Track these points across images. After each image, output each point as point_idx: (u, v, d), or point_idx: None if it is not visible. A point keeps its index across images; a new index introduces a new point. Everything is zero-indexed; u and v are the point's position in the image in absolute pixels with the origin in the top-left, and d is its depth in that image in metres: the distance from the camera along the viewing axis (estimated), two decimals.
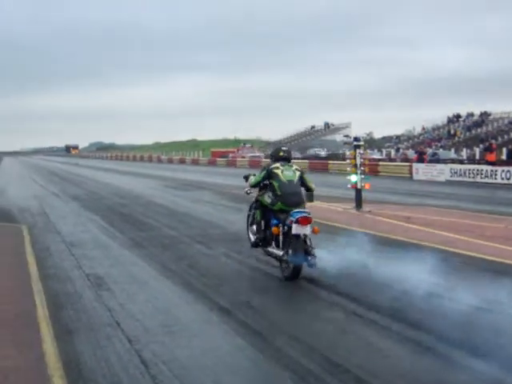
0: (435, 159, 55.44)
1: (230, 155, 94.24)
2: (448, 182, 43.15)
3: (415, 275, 10.86)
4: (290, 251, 11.32)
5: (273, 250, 12.09)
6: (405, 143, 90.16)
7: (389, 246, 15.21)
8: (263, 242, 12.42)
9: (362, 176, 22.53)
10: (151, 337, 8.41)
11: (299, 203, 11.92)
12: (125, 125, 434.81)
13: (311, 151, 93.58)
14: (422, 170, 48.46)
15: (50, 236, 17.97)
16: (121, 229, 19.26)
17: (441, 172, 46.19)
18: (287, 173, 12.14)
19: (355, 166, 22.55)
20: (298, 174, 12.28)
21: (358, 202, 22.80)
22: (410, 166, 50.42)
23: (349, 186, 23.30)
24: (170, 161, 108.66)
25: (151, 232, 18.46)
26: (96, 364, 7.40)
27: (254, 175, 13.03)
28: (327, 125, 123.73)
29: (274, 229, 11.85)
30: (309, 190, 12.78)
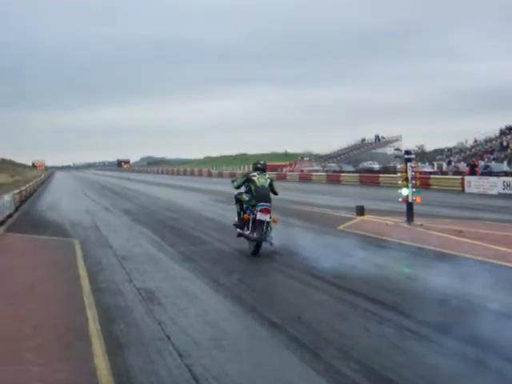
0: (487, 172, 54.57)
1: (284, 168, 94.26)
2: (501, 195, 42.37)
3: (471, 290, 10.68)
4: (255, 233, 15.97)
5: (244, 231, 16.65)
6: (456, 156, 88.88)
7: (441, 261, 14.96)
8: (241, 226, 16.95)
9: (413, 189, 22.25)
10: (202, 351, 8.40)
11: (267, 201, 16.38)
12: (175, 139, 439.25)
13: (364, 164, 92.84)
14: (474, 183, 47.67)
15: (101, 250, 18.15)
16: (171, 243, 19.34)
17: (493, 185, 45.35)
18: (261, 180, 16.70)
19: (406, 179, 22.29)
20: (268, 181, 16.85)
21: (410, 215, 22.50)
22: (462, 179, 49.65)
23: (400, 199, 23.02)
24: (221, 175, 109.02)
25: (202, 246, 18.52)
26: (147, 378, 7.42)
27: (237, 180, 17.99)
28: (378, 138, 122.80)
29: (245, 216, 16.58)
30: (275, 193, 17.17)
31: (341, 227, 22.53)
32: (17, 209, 34.99)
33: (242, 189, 17.31)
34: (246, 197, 16.89)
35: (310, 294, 11.95)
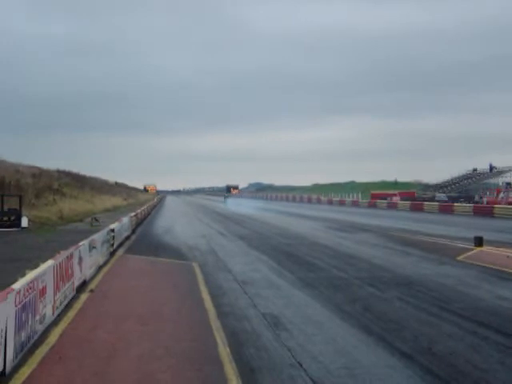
0: None
1: (394, 197, 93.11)
2: None
3: None
4: None
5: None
6: None
7: None
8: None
9: None
10: (335, 379, 8.32)
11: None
12: (283, 167, 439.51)
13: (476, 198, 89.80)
14: None
15: (221, 274, 18.33)
16: (289, 269, 19.36)
17: None
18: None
19: None
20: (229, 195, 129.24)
21: None
22: None
23: None
24: (330, 202, 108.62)
25: (320, 273, 18.43)
26: None
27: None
28: (492, 167, 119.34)
29: None
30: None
31: (460, 258, 22.00)
32: (133, 231, 35.88)
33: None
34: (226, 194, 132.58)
35: (438, 325, 11.66)
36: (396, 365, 9.08)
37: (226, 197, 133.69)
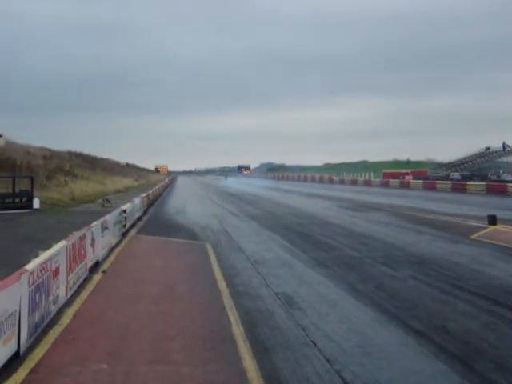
0: None
1: (406, 176, 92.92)
2: None
3: None
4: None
5: None
6: None
7: None
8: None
9: None
10: (349, 358, 8.29)
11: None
12: (295, 146, 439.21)
13: (494, 176, 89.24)
14: None
15: (234, 254, 18.31)
16: (302, 248, 19.32)
17: None
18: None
19: None
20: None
21: None
22: None
23: None
24: (342, 181, 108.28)
25: (333, 252, 18.37)
26: (297, 383, 7.37)
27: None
28: (504, 146, 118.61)
29: None
30: None
31: (473, 236, 21.92)
32: (145, 212, 35.89)
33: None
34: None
35: (452, 303, 11.60)
36: (409, 343, 9.05)
37: (226, 176, 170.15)
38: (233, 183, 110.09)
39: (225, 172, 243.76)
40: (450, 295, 12.27)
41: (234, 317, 10.51)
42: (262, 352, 8.59)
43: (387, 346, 8.93)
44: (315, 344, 8.89)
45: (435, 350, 8.67)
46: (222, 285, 13.41)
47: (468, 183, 70.05)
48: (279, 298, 12.04)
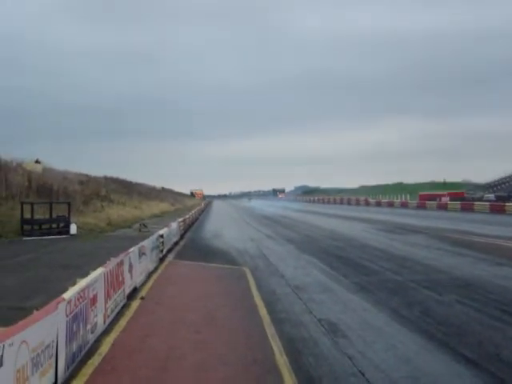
0: None
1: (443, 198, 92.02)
2: None
3: None
4: None
5: None
6: None
7: None
8: None
9: None
10: None
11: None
12: (330, 169, 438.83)
13: None
14: None
15: (273, 279, 17.98)
16: (342, 272, 18.92)
17: None
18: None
19: None
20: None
21: None
22: None
23: None
24: (378, 204, 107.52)
25: (374, 276, 17.95)
26: None
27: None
28: None
29: None
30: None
31: None
32: (182, 236, 35.72)
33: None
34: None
35: (502, 329, 11.14)
36: (463, 373, 8.60)
37: (249, 199, 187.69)
38: (267, 206, 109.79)
39: (257, 195, 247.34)
40: (499, 321, 11.81)
41: (276, 345, 10.16)
42: (308, 383, 8.23)
43: (440, 376, 8.48)
44: (363, 374, 8.49)
45: (492, 381, 8.21)
46: (263, 311, 13.07)
47: (507, 204, 68.97)
48: (322, 325, 11.66)
